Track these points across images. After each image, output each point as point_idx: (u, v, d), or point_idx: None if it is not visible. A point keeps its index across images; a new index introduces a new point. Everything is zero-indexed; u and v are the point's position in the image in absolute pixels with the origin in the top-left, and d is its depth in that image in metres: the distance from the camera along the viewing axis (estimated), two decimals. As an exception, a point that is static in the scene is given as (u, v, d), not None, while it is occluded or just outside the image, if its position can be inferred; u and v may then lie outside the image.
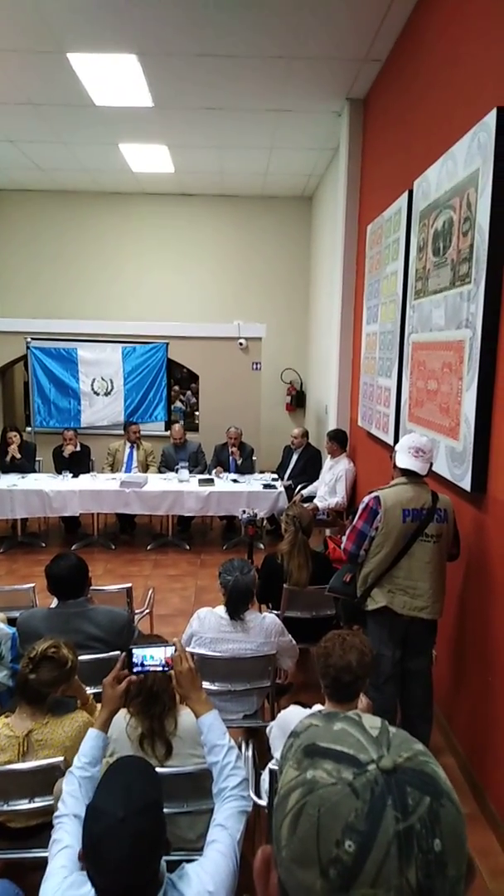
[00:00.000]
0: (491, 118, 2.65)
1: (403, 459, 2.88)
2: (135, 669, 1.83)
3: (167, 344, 7.47)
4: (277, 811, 0.54)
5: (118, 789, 1.35)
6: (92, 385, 7.43)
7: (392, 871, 0.47)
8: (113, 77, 5.21)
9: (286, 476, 6.74)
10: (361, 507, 2.93)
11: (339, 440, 5.94)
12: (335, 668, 2.00)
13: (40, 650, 2.15)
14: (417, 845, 0.48)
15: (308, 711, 2.11)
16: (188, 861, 1.50)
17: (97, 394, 7.45)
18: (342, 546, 3.07)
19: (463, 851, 0.51)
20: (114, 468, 6.79)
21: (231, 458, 6.82)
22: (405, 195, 4.04)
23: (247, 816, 1.67)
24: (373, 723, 0.57)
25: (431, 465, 2.95)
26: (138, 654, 1.83)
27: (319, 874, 0.49)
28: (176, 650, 1.86)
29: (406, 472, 2.88)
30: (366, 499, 2.92)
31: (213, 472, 6.63)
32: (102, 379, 7.42)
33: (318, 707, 2.11)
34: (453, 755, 3.16)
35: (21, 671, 2.17)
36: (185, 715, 2.03)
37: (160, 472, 6.79)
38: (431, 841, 0.49)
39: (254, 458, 7.01)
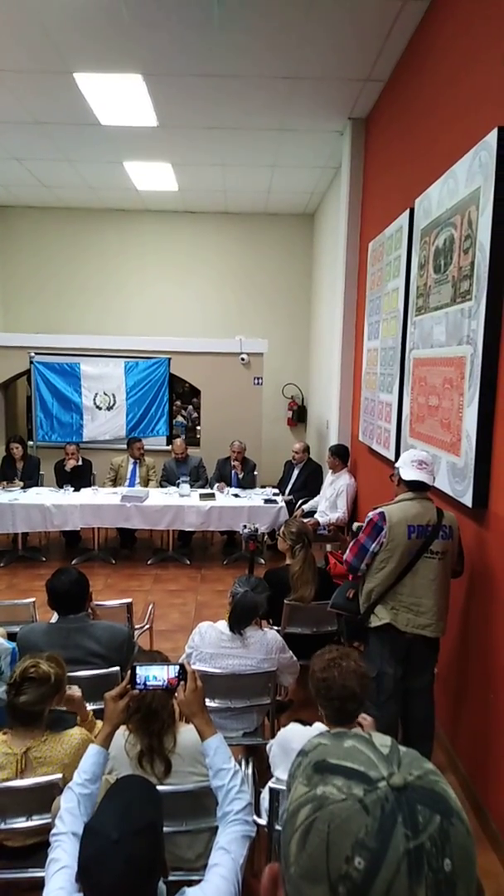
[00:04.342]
0: (492, 138, 2.69)
1: (409, 472, 2.87)
2: (137, 688, 1.82)
3: (169, 359, 7.51)
4: (286, 827, 0.54)
5: (115, 810, 1.32)
6: (94, 399, 7.46)
7: (402, 890, 0.47)
8: (118, 97, 5.28)
9: (287, 491, 6.73)
10: (366, 522, 2.92)
11: (340, 455, 5.94)
12: (339, 699, 1.95)
13: (18, 673, 2.10)
14: (427, 864, 0.47)
15: (308, 730, 2.10)
16: (187, 882, 1.47)
17: (99, 408, 7.48)
18: (344, 558, 3.05)
19: (473, 873, 0.50)
20: (116, 483, 6.80)
21: (233, 472, 6.81)
22: (406, 213, 4.08)
23: (250, 841, 1.64)
24: (383, 741, 0.56)
25: (434, 477, 2.94)
26: (141, 673, 1.81)
27: (329, 891, 0.48)
28: (185, 670, 1.84)
29: (413, 487, 2.88)
30: (370, 514, 2.91)
31: (216, 486, 6.63)
32: (105, 393, 7.45)
33: (318, 725, 2.09)
34: (455, 774, 3.11)
35: (7, 697, 2.12)
36: (185, 732, 2.01)
37: (161, 486, 6.79)
38: (441, 860, 0.48)
39: (255, 472, 7.01)
